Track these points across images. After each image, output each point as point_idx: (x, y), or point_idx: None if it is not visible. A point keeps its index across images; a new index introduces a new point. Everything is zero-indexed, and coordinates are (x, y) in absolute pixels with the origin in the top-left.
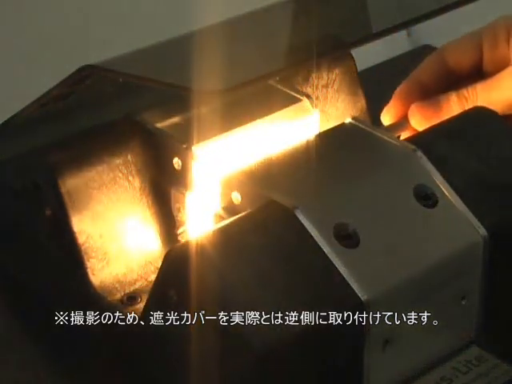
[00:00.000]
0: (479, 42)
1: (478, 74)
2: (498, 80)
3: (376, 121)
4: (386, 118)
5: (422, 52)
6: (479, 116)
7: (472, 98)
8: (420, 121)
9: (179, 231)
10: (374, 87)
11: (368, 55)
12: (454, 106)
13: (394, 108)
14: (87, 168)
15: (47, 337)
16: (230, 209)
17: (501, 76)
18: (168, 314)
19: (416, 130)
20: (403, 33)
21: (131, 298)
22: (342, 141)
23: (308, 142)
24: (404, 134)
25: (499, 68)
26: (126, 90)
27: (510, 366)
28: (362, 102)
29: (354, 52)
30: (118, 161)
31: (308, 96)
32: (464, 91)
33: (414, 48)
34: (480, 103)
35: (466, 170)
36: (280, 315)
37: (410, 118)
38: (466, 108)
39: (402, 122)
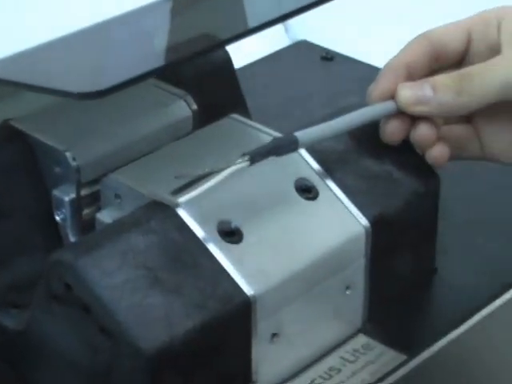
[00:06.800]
0: (468, 28)
1: (463, 61)
2: (492, 65)
3: (255, 117)
4: (373, 97)
5: (299, 47)
6: None
7: (467, 80)
8: (408, 101)
9: (63, 236)
10: (254, 83)
11: (247, 52)
12: (447, 87)
13: (381, 87)
14: None
15: None
16: (113, 210)
17: (494, 61)
18: (54, 320)
19: (402, 113)
20: (281, 29)
21: (17, 306)
22: (219, 137)
23: (185, 139)
24: (391, 117)
25: (488, 56)
26: (2, 96)
27: (398, 353)
28: (240, 99)
29: (232, 49)
30: None
31: (184, 94)
32: (459, 73)
33: (292, 43)
34: (474, 87)
35: (347, 163)
36: (168, 314)
37: (396, 98)
38: (458, 90)
39: (389, 103)
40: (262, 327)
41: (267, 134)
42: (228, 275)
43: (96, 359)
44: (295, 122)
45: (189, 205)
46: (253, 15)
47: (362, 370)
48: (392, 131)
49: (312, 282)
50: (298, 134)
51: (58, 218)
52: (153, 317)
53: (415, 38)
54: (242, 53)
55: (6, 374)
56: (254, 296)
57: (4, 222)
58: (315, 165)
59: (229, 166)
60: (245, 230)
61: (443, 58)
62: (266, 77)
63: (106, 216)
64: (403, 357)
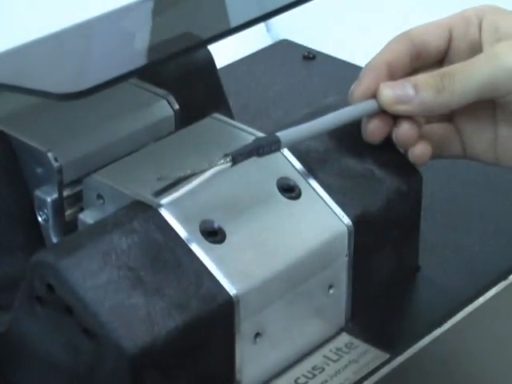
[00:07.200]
0: (449, 27)
1: (444, 60)
2: (473, 64)
3: (237, 117)
4: (355, 96)
5: (280, 46)
6: None
7: (448, 78)
8: (389, 101)
9: (45, 236)
10: (236, 83)
11: (229, 51)
12: (428, 86)
13: (362, 87)
14: None
15: None
16: (95, 210)
17: (475, 60)
18: (36, 321)
19: (384, 112)
20: (263, 28)
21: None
22: (201, 137)
23: (167, 139)
24: (373, 116)
25: (468, 54)
26: None
27: (381, 351)
28: (222, 99)
29: (214, 49)
30: None
31: (166, 94)
32: (440, 72)
33: (274, 42)
34: (455, 85)
35: (329, 162)
36: (151, 314)
37: (378, 97)
38: (439, 89)
39: (371, 102)
40: (245, 327)
41: (249, 134)
42: (211, 275)
43: (78, 360)
44: (277, 121)
45: (171, 205)
46: (234, 14)
47: (345, 369)
48: (374, 130)
49: (295, 281)
50: (280, 134)
51: (40, 218)
52: (135, 317)
53: (396, 37)
54: (224, 52)
55: None
56: (236, 296)
57: None
58: (297, 164)
59: (211, 167)
60: (227, 230)
61: (424, 56)
62: (248, 76)
63: (88, 216)
64: (386, 355)
